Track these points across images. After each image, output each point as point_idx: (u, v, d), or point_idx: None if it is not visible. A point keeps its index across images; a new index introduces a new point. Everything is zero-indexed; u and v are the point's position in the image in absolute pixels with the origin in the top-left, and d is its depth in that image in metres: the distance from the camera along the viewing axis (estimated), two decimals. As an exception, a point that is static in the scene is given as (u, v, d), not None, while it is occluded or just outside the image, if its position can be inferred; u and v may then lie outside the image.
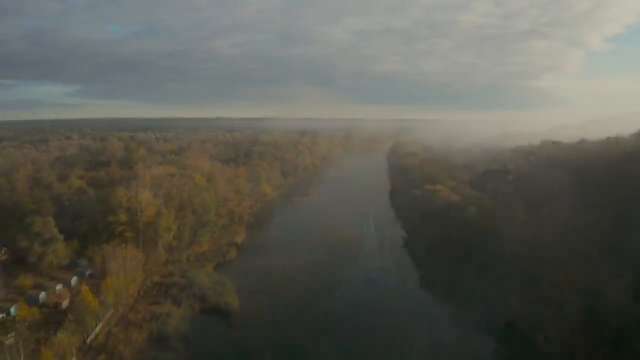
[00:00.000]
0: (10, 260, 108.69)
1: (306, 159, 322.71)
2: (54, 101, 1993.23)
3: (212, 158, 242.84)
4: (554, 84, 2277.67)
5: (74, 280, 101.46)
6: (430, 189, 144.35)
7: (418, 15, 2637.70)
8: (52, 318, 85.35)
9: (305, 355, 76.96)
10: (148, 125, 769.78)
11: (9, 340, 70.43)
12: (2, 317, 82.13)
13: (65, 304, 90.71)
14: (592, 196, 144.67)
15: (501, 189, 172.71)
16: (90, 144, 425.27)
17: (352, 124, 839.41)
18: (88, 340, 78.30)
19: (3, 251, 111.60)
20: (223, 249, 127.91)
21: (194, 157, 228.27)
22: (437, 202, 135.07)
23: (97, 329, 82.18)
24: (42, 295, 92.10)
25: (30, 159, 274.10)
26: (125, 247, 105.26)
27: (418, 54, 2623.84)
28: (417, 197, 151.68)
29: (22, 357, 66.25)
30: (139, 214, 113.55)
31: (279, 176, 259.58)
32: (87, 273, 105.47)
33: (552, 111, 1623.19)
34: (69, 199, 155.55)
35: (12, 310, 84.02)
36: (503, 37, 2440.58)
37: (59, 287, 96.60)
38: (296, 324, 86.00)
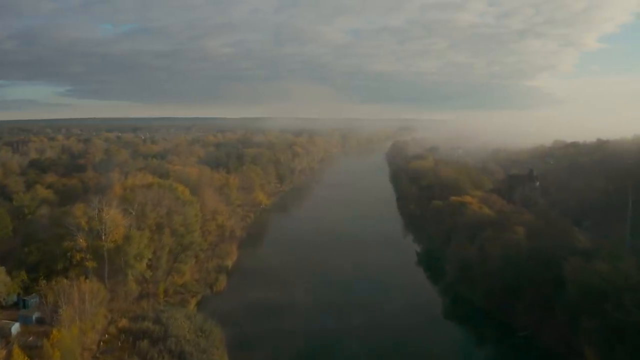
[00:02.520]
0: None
1: (303, 162, 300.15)
2: (47, 101, 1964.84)
3: (200, 161, 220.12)
4: (549, 83, 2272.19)
5: (15, 328, 78.24)
6: (457, 201, 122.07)
7: (413, 14, 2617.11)
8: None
9: None
10: (140, 125, 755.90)
11: None
12: None
13: (-5, 368, 67.73)
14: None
15: (530, 197, 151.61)
16: (73, 145, 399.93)
17: (347, 123, 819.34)
18: None
19: None
20: (210, 277, 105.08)
21: (179, 161, 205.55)
22: (467, 218, 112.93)
23: (32, 412, 59.38)
24: (-33, 354, 69.14)
25: (2, 162, 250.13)
26: (84, 281, 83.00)
27: (413, 54, 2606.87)
28: (440, 211, 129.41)
29: None
30: (103, 237, 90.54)
31: (274, 181, 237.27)
32: (34, 317, 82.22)
33: (547, 111, 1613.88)
34: (30, 213, 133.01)
35: None
36: (498, 37, 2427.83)
37: (-8, 340, 73.50)
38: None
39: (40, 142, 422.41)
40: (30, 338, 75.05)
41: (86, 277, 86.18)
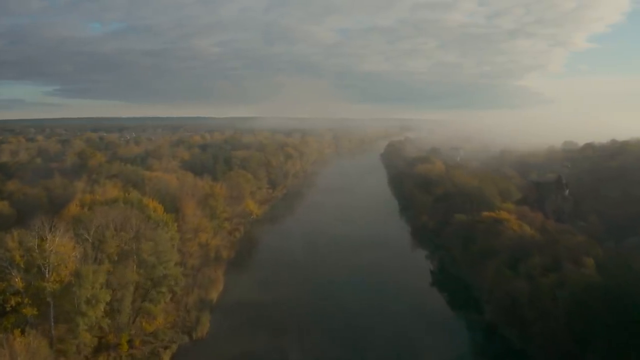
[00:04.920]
0: None
1: (296, 164, 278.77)
2: (35, 101, 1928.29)
3: (184, 165, 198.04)
4: (538, 83, 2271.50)
5: None
6: (489, 217, 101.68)
7: (404, 14, 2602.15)
8: None
9: None
10: (129, 125, 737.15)
11: None
12: None
13: None
14: None
15: (564, 209, 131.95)
16: (51, 146, 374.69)
17: (338, 123, 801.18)
18: None
19: None
20: (189, 319, 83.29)
21: (160, 166, 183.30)
22: (506, 239, 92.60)
23: None
24: None
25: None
26: (20, 335, 61.87)
27: (403, 53, 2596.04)
28: (465, 226, 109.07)
29: None
30: (47, 275, 68.68)
31: (266, 187, 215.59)
32: (-54, 391, 60.48)
33: (535, 110, 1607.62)
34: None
35: None
36: (488, 37, 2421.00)
37: None
38: None
39: (18, 143, 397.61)
40: None
41: (23, 330, 64.93)
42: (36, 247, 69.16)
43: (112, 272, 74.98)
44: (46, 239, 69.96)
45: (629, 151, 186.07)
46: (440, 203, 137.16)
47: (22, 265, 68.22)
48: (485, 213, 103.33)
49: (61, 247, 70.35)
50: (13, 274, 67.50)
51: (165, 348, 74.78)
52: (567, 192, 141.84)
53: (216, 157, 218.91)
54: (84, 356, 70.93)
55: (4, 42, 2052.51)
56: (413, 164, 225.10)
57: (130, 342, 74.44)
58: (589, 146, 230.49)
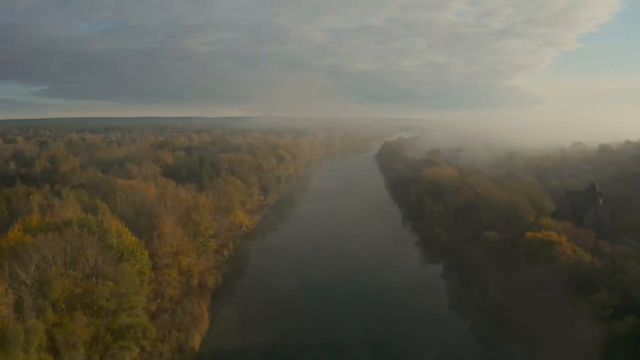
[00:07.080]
0: None
1: (289, 167, 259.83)
2: (23, 100, 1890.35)
3: (166, 170, 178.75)
4: (528, 83, 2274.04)
5: None
6: (533, 237, 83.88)
7: (394, 13, 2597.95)
8: None
9: None
10: (118, 125, 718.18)
11: None
12: None
13: None
14: None
15: (604, 222, 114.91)
16: (28, 149, 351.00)
17: (330, 122, 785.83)
18: None
19: None
20: (164, 378, 64.71)
21: (139, 172, 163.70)
22: (561, 267, 74.79)
23: None
24: None
25: None
26: None
27: (393, 53, 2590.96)
28: (508, 251, 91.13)
29: None
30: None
31: (257, 193, 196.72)
32: None
33: (526, 110, 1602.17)
34: None
35: None
36: (477, 37, 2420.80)
37: None
38: None
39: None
40: None
41: None
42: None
43: (58, 326, 55.98)
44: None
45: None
46: (460, 216, 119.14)
47: None
48: (529, 233, 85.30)
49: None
50: None
51: None
52: (601, 201, 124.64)
53: (202, 161, 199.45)
54: None
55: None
56: (417, 168, 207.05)
57: (80, 421, 55.39)
58: (605, 148, 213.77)
